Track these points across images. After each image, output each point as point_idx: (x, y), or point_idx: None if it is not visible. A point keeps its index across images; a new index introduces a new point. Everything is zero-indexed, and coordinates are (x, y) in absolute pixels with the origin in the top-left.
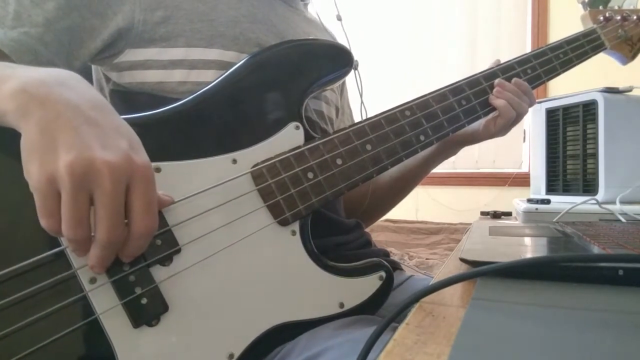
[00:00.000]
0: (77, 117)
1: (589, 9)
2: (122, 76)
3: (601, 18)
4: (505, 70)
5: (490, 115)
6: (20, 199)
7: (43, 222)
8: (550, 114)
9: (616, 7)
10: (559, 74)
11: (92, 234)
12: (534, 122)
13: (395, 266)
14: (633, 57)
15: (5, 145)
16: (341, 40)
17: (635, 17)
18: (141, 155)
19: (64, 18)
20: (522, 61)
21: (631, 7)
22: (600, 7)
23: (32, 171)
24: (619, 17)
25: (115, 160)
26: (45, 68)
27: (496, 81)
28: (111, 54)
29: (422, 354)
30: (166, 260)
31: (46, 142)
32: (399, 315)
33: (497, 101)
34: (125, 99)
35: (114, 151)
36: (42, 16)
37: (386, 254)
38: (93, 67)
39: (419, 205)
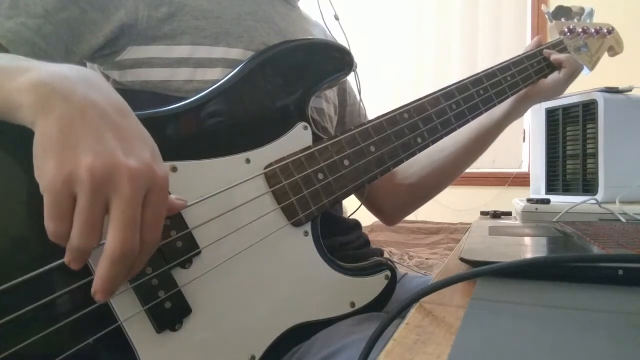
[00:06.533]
0: (102, 120)
1: (554, 21)
2: (125, 75)
3: (566, 30)
4: (490, 77)
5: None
6: (35, 205)
7: (51, 226)
8: (550, 114)
9: (576, 21)
10: (533, 82)
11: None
12: (534, 122)
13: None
14: (593, 67)
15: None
16: (339, 40)
17: (593, 30)
18: (161, 167)
19: (64, 10)
20: (504, 68)
21: (588, 22)
22: (563, 20)
23: (48, 170)
24: (580, 30)
25: (138, 168)
26: (64, 64)
27: (547, 51)
28: (113, 52)
29: (422, 354)
30: (187, 263)
31: (67, 140)
32: (399, 315)
33: (561, 56)
34: (127, 98)
35: (138, 159)
36: (41, 7)
37: (382, 254)
38: (88, 65)
39: None
